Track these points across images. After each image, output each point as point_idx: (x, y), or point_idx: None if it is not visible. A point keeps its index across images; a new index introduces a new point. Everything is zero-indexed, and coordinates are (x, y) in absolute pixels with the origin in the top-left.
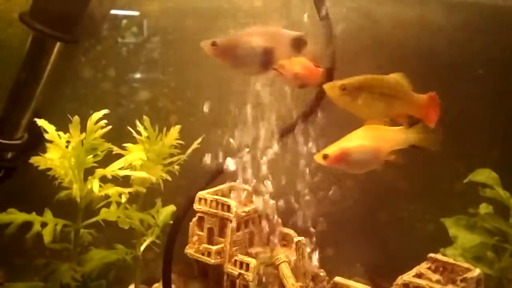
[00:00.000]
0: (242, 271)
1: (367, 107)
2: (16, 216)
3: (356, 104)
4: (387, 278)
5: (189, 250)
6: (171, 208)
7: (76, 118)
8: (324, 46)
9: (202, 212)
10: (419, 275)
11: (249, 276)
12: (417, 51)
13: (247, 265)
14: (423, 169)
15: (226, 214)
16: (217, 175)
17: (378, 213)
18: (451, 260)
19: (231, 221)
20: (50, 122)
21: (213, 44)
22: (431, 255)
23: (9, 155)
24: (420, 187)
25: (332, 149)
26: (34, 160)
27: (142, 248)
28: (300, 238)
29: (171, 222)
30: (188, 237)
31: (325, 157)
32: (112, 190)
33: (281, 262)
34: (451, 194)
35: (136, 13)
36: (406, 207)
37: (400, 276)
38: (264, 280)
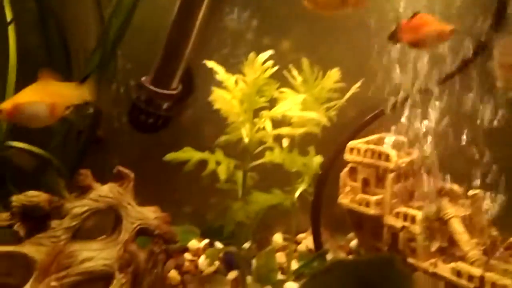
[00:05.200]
0: (407, 224)
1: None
2: (192, 154)
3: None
4: None
5: (343, 200)
6: (319, 158)
7: (252, 54)
8: None
9: (355, 162)
10: None
11: (416, 229)
12: None
13: (413, 217)
14: None
15: (384, 164)
16: (365, 125)
17: None
18: None
19: (390, 171)
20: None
21: None
22: None
23: (166, 105)
24: None
25: (6, 104)
26: (214, 95)
27: (297, 194)
28: (477, 191)
29: (320, 172)
30: (332, 189)
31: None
32: (286, 130)
33: (451, 217)
34: None
35: None
36: None
37: None
38: (429, 235)
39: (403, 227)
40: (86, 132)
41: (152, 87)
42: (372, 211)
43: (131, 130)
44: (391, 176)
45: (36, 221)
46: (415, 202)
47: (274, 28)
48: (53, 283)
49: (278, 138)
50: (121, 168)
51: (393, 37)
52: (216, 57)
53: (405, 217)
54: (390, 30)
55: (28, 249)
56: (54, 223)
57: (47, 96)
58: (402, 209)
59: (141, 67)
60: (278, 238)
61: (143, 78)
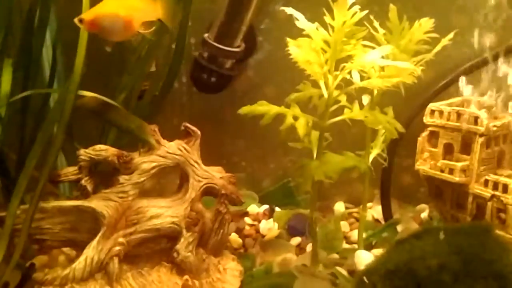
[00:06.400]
0: (498, 193)
1: None
2: (269, 108)
3: None
4: None
5: (422, 167)
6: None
7: None
8: None
9: (436, 126)
10: None
11: (508, 199)
12: None
13: (505, 186)
14: None
15: (473, 127)
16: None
17: None
18: None
19: (480, 135)
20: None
21: None
22: None
23: (228, 63)
24: None
25: (88, 14)
26: (291, 44)
27: (371, 158)
28: None
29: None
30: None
31: (81, 21)
32: (377, 82)
33: None
34: None
35: None
36: None
37: None
38: None
39: (493, 196)
40: (150, 90)
41: (215, 44)
42: (457, 178)
43: (190, 90)
44: (480, 140)
45: (104, 175)
46: (505, 170)
47: None
48: (121, 239)
49: (350, 98)
50: (188, 125)
51: None
52: (281, 14)
53: (495, 185)
54: None
55: (96, 204)
56: (123, 178)
57: (124, 10)
58: (493, 176)
59: (201, 24)
60: (340, 207)
61: (206, 35)
